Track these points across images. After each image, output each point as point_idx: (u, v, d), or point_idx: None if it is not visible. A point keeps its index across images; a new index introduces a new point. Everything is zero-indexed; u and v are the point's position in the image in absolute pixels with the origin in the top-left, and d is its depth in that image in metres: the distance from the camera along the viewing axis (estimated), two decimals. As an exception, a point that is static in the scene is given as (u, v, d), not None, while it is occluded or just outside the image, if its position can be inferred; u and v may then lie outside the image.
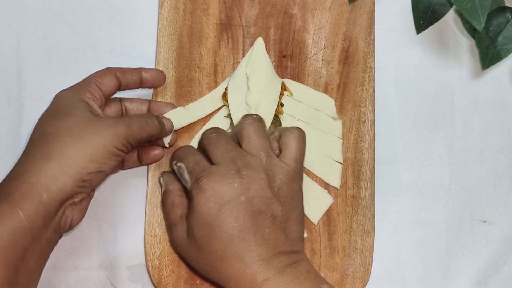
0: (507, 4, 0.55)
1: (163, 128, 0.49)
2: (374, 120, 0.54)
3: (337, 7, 0.55)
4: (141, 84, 0.50)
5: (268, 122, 0.52)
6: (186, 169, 0.46)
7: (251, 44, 0.54)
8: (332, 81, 0.55)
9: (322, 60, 0.55)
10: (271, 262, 0.43)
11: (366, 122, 0.54)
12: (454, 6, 0.56)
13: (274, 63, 0.54)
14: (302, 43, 0.55)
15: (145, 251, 0.51)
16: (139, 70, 0.50)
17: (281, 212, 0.45)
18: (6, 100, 0.54)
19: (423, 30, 0.57)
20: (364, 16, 0.55)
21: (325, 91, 0.54)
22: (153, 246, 0.51)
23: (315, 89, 0.54)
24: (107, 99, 0.49)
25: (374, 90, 0.54)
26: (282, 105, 0.53)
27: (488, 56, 0.55)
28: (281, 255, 0.44)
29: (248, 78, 0.53)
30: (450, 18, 0.58)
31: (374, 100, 0.54)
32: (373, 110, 0.54)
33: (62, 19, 0.55)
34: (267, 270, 0.43)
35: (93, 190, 0.46)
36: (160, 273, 0.50)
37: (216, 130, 0.48)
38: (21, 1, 0.55)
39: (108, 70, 0.48)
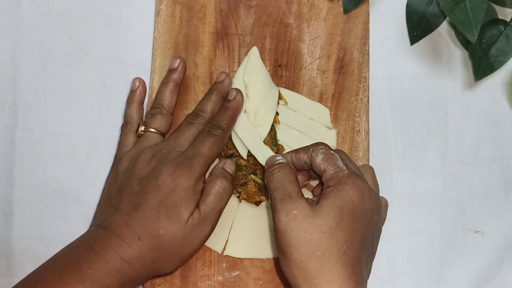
0: (500, 17, 0.56)
1: (231, 186, 0.49)
2: (369, 129, 0.54)
3: (332, 18, 0.56)
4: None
5: (266, 130, 0.52)
6: (341, 160, 0.46)
7: (247, 53, 0.55)
8: (327, 90, 0.55)
9: (317, 69, 0.55)
10: (361, 282, 0.44)
11: (360, 131, 0.54)
12: (447, 17, 0.57)
13: (269, 72, 0.55)
14: (297, 53, 0.55)
15: (138, 259, 0.51)
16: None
17: (374, 250, 0.47)
18: (1, 105, 0.54)
19: (417, 41, 0.57)
20: (359, 27, 0.56)
21: (320, 101, 0.55)
22: (147, 253, 0.51)
23: (310, 98, 0.55)
24: None
25: (368, 100, 0.55)
26: (277, 113, 0.54)
27: (481, 68, 0.55)
28: (365, 280, 0.45)
29: (246, 85, 0.53)
30: (444, 29, 0.58)
31: (368, 109, 0.55)
32: (367, 120, 0.54)
33: (58, 26, 0.55)
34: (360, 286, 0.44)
35: None
36: (153, 281, 0.50)
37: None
38: (17, 7, 0.55)
39: (221, 142, 0.49)
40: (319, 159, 0.46)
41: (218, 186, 0.48)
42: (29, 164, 0.53)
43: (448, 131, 0.57)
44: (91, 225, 0.49)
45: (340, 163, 0.46)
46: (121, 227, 0.45)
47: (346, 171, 0.45)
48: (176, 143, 0.48)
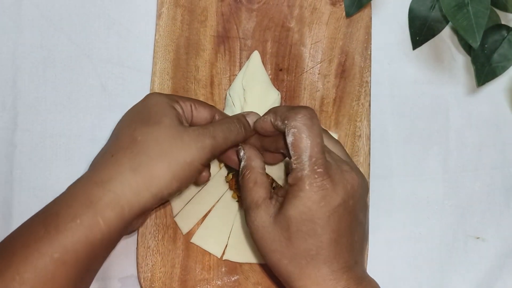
0: (502, 22, 0.56)
1: (247, 129, 0.46)
2: (370, 134, 0.54)
3: (334, 22, 0.56)
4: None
5: None
6: (309, 151, 0.41)
7: (248, 57, 0.55)
8: (328, 95, 0.55)
9: (319, 74, 0.55)
10: (352, 271, 0.42)
11: (362, 136, 0.54)
12: (450, 23, 0.57)
13: (270, 76, 0.54)
14: (298, 57, 0.55)
15: (137, 263, 0.51)
16: (210, 107, 0.48)
17: (365, 223, 0.44)
18: (1, 107, 0.54)
19: (419, 46, 0.57)
20: (361, 31, 0.56)
21: (321, 105, 0.54)
22: (146, 257, 0.51)
23: (311, 103, 0.54)
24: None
25: (370, 105, 0.55)
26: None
27: (483, 73, 0.55)
28: (358, 265, 0.43)
29: (244, 90, 0.53)
30: (446, 34, 0.58)
31: (369, 114, 0.54)
32: (369, 125, 0.54)
33: (59, 28, 0.55)
34: (349, 279, 0.41)
35: None
36: (152, 285, 0.50)
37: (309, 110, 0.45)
38: (18, 9, 0.55)
39: (208, 105, 0.48)
40: (289, 141, 0.42)
41: (228, 120, 0.45)
42: (29, 167, 0.53)
43: (450, 137, 0.56)
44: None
45: (305, 156, 0.41)
46: (96, 159, 0.44)
47: (305, 171, 0.40)
48: None
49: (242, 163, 0.46)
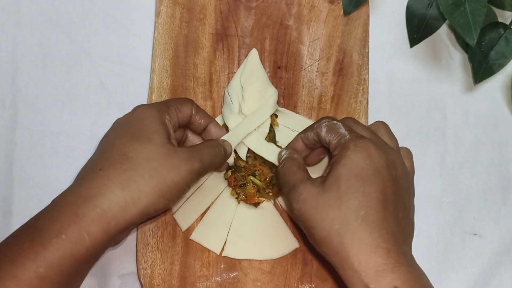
0: (499, 20, 0.56)
1: (227, 154, 0.49)
2: (367, 132, 0.54)
3: (332, 20, 0.56)
4: (201, 132, 0.51)
5: (265, 131, 0.52)
6: (344, 127, 0.45)
7: (247, 55, 0.55)
8: (326, 92, 0.55)
9: (317, 71, 0.55)
10: (402, 247, 0.41)
11: (359, 134, 0.54)
12: (447, 21, 0.57)
13: (268, 74, 0.55)
14: (297, 55, 0.55)
15: (137, 260, 0.51)
16: (210, 119, 0.50)
17: (409, 204, 0.44)
18: (1, 106, 0.54)
19: (417, 43, 0.57)
20: (359, 29, 0.56)
21: (319, 103, 0.55)
22: (145, 254, 0.51)
23: (309, 100, 0.55)
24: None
25: (367, 103, 0.55)
26: (276, 116, 0.54)
27: (481, 71, 0.55)
28: (406, 246, 0.43)
29: (242, 87, 0.53)
30: (444, 32, 0.58)
31: (367, 112, 0.55)
32: (367, 122, 0.54)
33: (58, 26, 0.56)
34: (399, 254, 0.41)
35: None
36: (152, 281, 0.50)
37: (356, 120, 0.48)
38: (17, 7, 0.55)
39: (188, 101, 0.49)
40: (323, 132, 0.46)
41: (214, 143, 0.48)
42: (28, 164, 0.53)
43: (447, 135, 0.57)
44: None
45: (342, 130, 0.45)
46: (82, 172, 0.44)
47: (347, 136, 0.44)
48: None
49: (285, 156, 0.49)
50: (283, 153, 0.49)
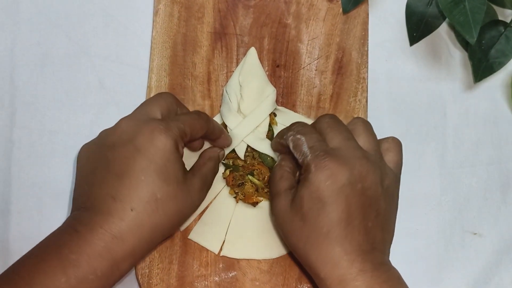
0: (500, 18, 0.56)
1: (221, 158, 0.52)
2: (366, 131, 0.54)
3: (331, 18, 0.56)
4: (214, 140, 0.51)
5: (263, 131, 0.52)
6: (306, 143, 0.45)
7: (245, 53, 0.55)
8: (325, 91, 0.55)
9: (316, 70, 0.55)
10: (368, 255, 0.43)
11: (358, 132, 0.54)
12: (447, 19, 0.57)
13: (267, 73, 0.55)
14: (295, 53, 0.55)
15: (135, 259, 0.51)
16: (223, 130, 0.51)
17: (383, 211, 0.45)
18: (-1, 105, 0.54)
19: (416, 42, 0.57)
20: (358, 27, 0.56)
21: (318, 101, 0.55)
22: (144, 253, 0.51)
23: (308, 99, 0.55)
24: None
25: (367, 101, 0.55)
26: (275, 115, 0.54)
27: (481, 69, 0.55)
28: (376, 251, 0.44)
29: (241, 86, 0.53)
30: (443, 30, 0.58)
31: (367, 111, 0.54)
32: (366, 121, 0.54)
33: (57, 25, 0.56)
34: (364, 262, 0.43)
35: None
36: (150, 281, 0.50)
37: (334, 116, 0.48)
38: (16, 7, 0.55)
39: (200, 119, 0.47)
40: (291, 147, 0.47)
41: (213, 166, 0.49)
42: (27, 164, 0.53)
43: (447, 133, 0.56)
44: (72, 211, 0.45)
45: (305, 148, 0.45)
46: (106, 202, 0.42)
47: (309, 157, 0.44)
48: (146, 108, 0.47)
49: (276, 162, 0.50)
50: (278, 156, 0.51)
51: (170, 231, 0.46)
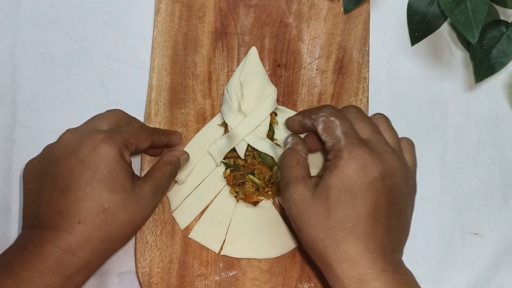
0: (501, 18, 0.56)
1: (180, 168, 0.50)
2: (367, 130, 0.54)
3: (332, 18, 0.56)
4: (166, 145, 0.51)
5: (264, 130, 0.52)
6: (340, 127, 0.43)
7: (246, 53, 0.55)
8: (326, 91, 0.55)
9: (317, 70, 0.55)
10: (389, 256, 0.41)
11: (359, 132, 0.54)
12: (448, 18, 0.56)
13: (268, 72, 0.54)
14: (296, 53, 0.55)
15: (135, 258, 0.51)
16: (169, 133, 0.51)
17: (405, 211, 0.44)
18: (0, 103, 0.54)
19: (418, 41, 0.57)
20: (359, 27, 0.56)
21: (319, 101, 0.54)
22: (144, 253, 0.51)
23: (309, 99, 0.54)
24: None
25: (368, 101, 0.55)
26: (275, 114, 0.53)
27: (482, 69, 0.55)
28: (396, 253, 0.43)
29: (242, 85, 0.53)
30: (445, 30, 0.58)
31: (368, 110, 0.54)
32: (366, 121, 0.54)
33: (57, 24, 0.55)
34: (386, 262, 0.41)
35: None
36: (150, 280, 0.50)
37: (359, 108, 0.46)
38: (16, 6, 0.55)
39: (144, 130, 0.48)
40: (320, 128, 0.44)
41: (168, 169, 0.48)
42: (27, 162, 0.53)
43: (448, 133, 0.56)
44: (22, 228, 0.46)
45: (338, 132, 0.43)
46: (53, 219, 0.42)
47: (342, 142, 0.42)
48: (93, 122, 0.47)
49: (288, 146, 0.47)
50: (288, 140, 0.48)
51: (123, 240, 0.45)
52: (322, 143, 0.45)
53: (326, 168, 0.43)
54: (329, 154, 0.43)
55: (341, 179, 0.41)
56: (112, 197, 0.42)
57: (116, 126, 0.47)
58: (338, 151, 0.42)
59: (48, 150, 0.46)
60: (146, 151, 0.51)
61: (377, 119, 0.47)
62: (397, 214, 0.43)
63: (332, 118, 0.44)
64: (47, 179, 0.44)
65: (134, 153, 0.47)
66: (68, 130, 0.46)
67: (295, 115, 0.49)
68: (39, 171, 0.45)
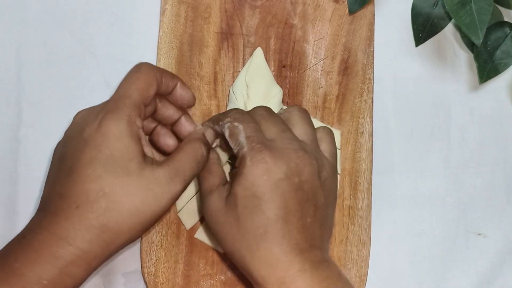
0: (505, 19, 0.56)
1: (208, 151, 0.45)
2: (372, 131, 0.54)
3: (337, 19, 0.56)
4: (173, 124, 0.47)
5: None
6: (244, 132, 0.42)
7: (251, 53, 0.55)
8: (331, 91, 0.55)
9: (322, 70, 0.55)
10: (307, 253, 0.41)
11: (364, 133, 0.54)
12: (453, 20, 0.57)
13: (273, 73, 0.55)
14: (302, 54, 0.55)
15: (141, 258, 0.51)
16: (177, 79, 0.46)
17: (322, 205, 0.43)
18: (5, 104, 0.54)
19: (422, 42, 0.57)
20: (364, 28, 0.56)
21: (324, 102, 0.55)
22: (149, 252, 0.51)
23: (314, 100, 0.55)
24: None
25: (372, 102, 0.55)
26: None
27: (486, 70, 0.55)
28: (315, 249, 0.42)
29: (247, 86, 0.53)
30: (449, 31, 0.58)
31: (372, 111, 0.55)
32: (371, 121, 0.54)
33: (62, 24, 0.55)
34: (303, 261, 0.40)
35: None
36: (156, 280, 0.51)
37: (268, 108, 0.46)
38: (22, 5, 0.55)
39: (149, 72, 0.44)
40: (227, 135, 0.43)
41: (194, 148, 0.43)
42: (33, 163, 0.53)
43: (451, 134, 0.57)
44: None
45: (242, 137, 0.42)
46: (54, 201, 0.39)
47: (245, 148, 0.41)
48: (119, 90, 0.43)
49: None
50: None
51: (129, 233, 0.40)
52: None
53: (233, 176, 0.42)
54: (236, 161, 0.43)
55: (246, 187, 0.41)
56: (113, 180, 0.38)
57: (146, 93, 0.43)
58: (242, 157, 0.41)
59: (66, 131, 0.44)
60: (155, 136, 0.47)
61: (289, 112, 0.46)
62: (312, 209, 0.42)
63: (236, 123, 0.43)
64: (56, 160, 0.42)
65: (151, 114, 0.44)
66: (81, 110, 0.44)
67: (207, 121, 0.46)
68: (53, 155, 0.44)
